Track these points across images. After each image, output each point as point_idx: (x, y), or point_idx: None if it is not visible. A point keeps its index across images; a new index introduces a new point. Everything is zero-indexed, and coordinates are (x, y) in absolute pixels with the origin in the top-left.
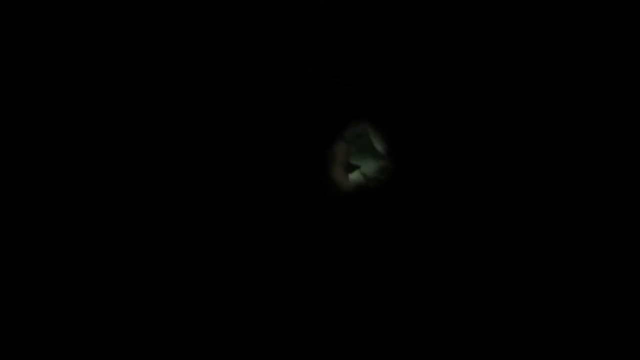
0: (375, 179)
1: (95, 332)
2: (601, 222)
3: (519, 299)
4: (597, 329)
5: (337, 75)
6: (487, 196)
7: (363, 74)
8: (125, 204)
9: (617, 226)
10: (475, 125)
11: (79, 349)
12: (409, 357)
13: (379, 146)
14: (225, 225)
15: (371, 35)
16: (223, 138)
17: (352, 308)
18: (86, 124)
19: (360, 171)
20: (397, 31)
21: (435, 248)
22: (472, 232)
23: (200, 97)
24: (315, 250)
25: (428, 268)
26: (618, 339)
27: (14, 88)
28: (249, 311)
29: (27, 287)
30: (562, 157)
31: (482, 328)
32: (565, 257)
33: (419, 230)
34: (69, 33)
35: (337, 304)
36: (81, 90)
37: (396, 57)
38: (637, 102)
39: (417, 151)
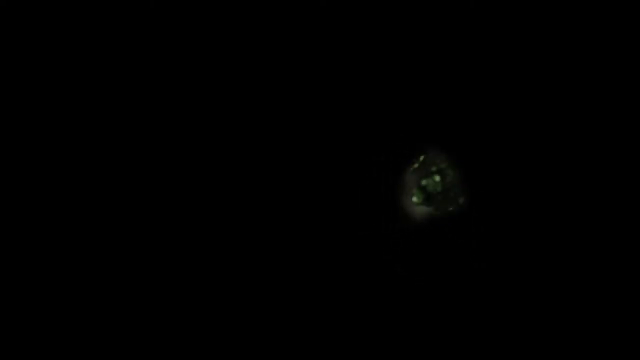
0: (441, 200)
1: (95, 332)
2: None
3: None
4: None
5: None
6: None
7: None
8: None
9: None
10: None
11: (79, 349)
12: None
13: (444, 164)
14: (297, 254)
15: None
16: (294, 167)
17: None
18: (87, 124)
19: (425, 185)
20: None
21: (503, 281)
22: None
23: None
24: (386, 281)
25: (495, 301)
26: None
27: (14, 88)
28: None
29: (27, 287)
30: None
31: None
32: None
33: (487, 262)
34: (69, 33)
35: (403, 335)
36: (81, 90)
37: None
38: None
39: (488, 183)
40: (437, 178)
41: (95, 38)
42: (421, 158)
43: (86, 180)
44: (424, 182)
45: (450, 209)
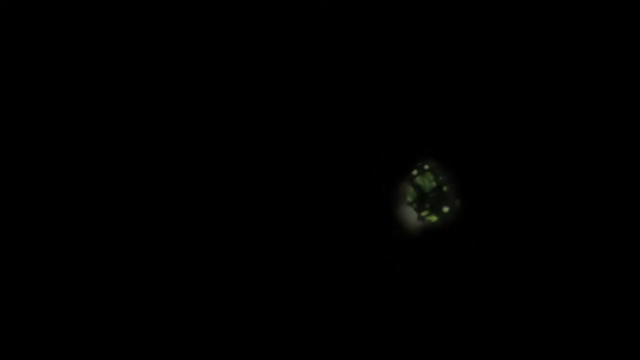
0: (437, 211)
1: (95, 332)
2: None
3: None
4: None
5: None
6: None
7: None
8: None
9: None
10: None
11: (79, 349)
12: None
13: (442, 177)
14: (295, 254)
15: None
16: (295, 176)
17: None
18: (88, 124)
19: (419, 184)
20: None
21: (498, 289)
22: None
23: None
24: (383, 290)
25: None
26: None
27: (13, 88)
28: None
29: (27, 287)
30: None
31: None
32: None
33: (483, 269)
34: (69, 33)
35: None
36: (81, 90)
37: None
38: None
39: (484, 193)
40: (431, 176)
41: (95, 38)
42: (416, 159)
43: (86, 180)
44: (417, 180)
45: (445, 208)
